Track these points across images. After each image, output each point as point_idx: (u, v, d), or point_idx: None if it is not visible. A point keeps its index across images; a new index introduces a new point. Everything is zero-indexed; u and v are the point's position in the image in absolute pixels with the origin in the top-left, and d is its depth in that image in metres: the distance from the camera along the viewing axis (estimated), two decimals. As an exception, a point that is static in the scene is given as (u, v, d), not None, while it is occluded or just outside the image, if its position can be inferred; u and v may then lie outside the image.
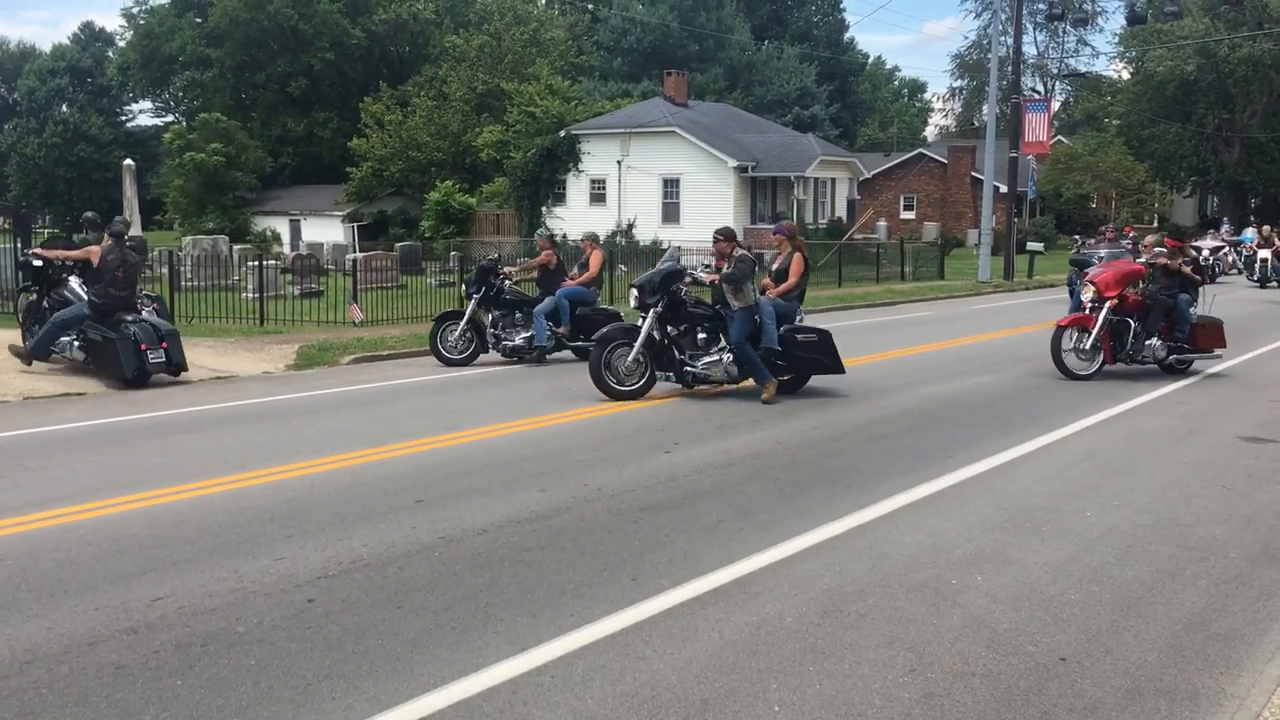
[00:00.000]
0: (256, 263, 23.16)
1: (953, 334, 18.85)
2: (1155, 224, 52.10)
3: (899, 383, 13.03)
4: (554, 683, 4.58)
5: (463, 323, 14.63)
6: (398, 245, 35.91)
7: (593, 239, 16.05)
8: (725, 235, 12.04)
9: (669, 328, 11.82)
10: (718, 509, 7.25)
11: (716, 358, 11.77)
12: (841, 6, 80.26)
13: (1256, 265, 31.32)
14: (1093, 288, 13.46)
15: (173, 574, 5.87)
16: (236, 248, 33.56)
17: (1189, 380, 13.28)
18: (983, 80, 61.84)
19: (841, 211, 45.13)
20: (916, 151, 60.54)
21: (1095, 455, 9.07)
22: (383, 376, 13.79)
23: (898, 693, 4.53)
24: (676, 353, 11.84)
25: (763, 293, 12.10)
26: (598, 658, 4.83)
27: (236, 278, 24.36)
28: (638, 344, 11.65)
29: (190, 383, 13.02)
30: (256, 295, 20.33)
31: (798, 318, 12.32)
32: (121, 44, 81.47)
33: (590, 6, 70.57)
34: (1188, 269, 13.84)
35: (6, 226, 21.83)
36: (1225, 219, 46.83)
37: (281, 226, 55.03)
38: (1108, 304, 13.19)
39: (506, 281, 14.87)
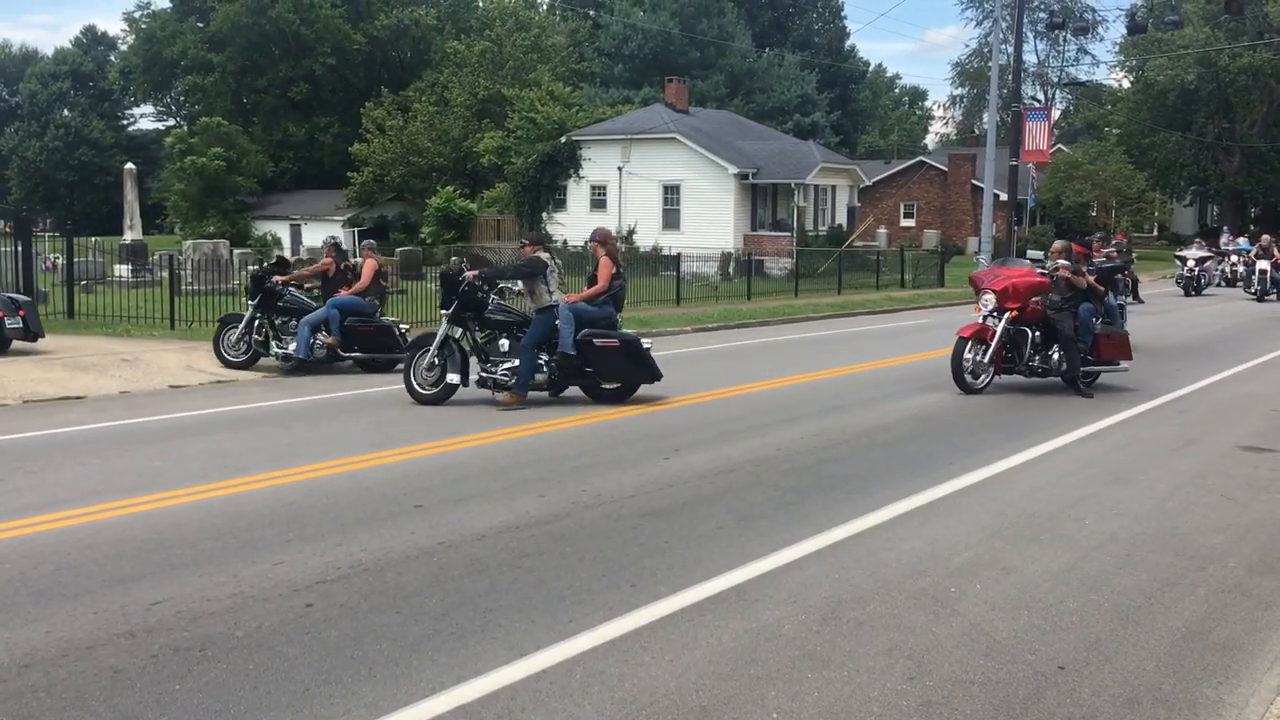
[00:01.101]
0: (257, 267, 23.16)
1: (952, 342, 18.85)
2: (1155, 233, 52.14)
3: (899, 390, 13.04)
4: (552, 688, 4.58)
5: (240, 327, 14.66)
6: (398, 250, 35.95)
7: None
8: (531, 240, 12.43)
9: (471, 333, 11.97)
10: (717, 515, 7.25)
11: (515, 364, 11.68)
12: (843, 14, 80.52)
13: (1255, 277, 30.60)
14: (992, 297, 12.84)
15: (171, 578, 5.87)
16: (237, 252, 33.53)
17: (1187, 389, 13.28)
18: (983, 88, 61.90)
19: (842, 219, 45.14)
20: (917, 159, 60.61)
21: (1094, 463, 9.07)
22: (383, 381, 13.77)
23: (896, 700, 4.53)
24: (477, 359, 11.90)
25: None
26: (596, 664, 4.83)
27: (236, 282, 24.35)
28: (432, 349, 11.74)
29: (190, 387, 13.01)
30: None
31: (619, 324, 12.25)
32: (123, 48, 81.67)
33: (592, 13, 70.67)
34: (1091, 278, 13.28)
35: (7, 230, 21.81)
36: (1225, 228, 46.77)
37: (282, 231, 55.10)
38: (1006, 315, 12.65)
39: (292, 288, 14.73)
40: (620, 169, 42.50)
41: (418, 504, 7.44)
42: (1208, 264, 33.53)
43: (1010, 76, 37.06)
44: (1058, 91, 79.95)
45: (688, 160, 41.26)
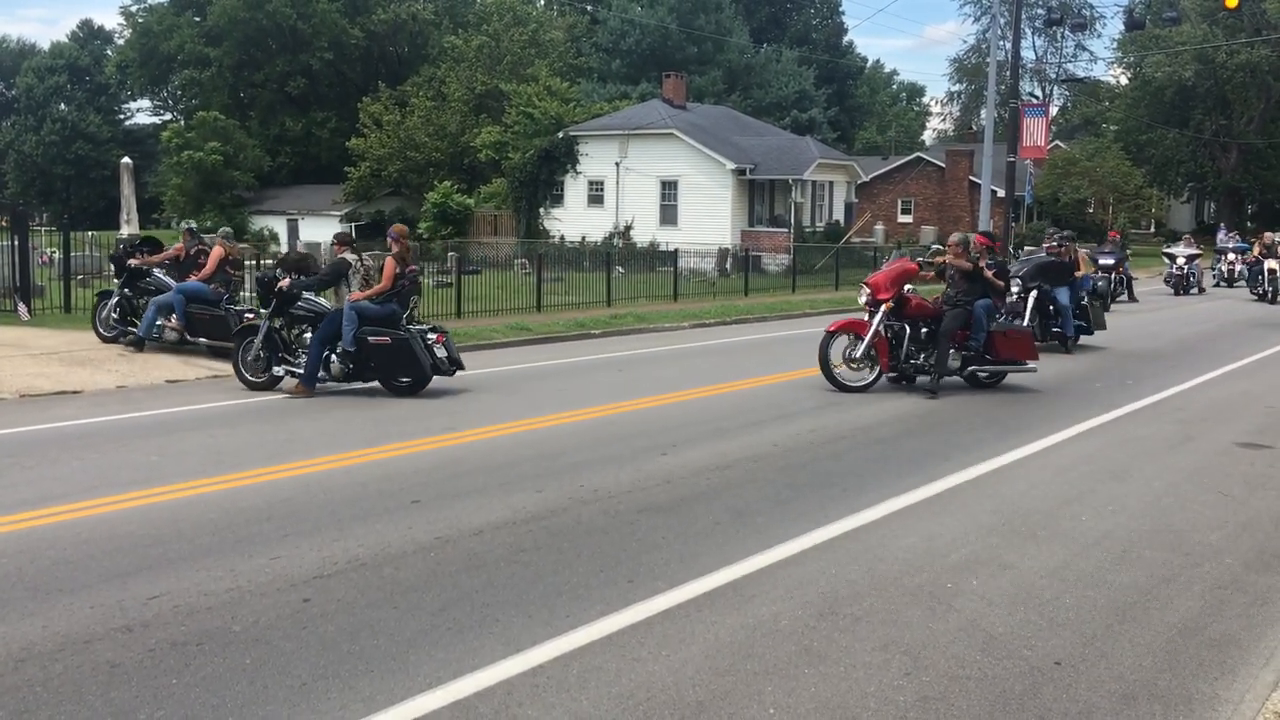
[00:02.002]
0: (254, 262, 23.12)
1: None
2: (1153, 229, 52.17)
3: (895, 386, 13.03)
4: (550, 683, 4.58)
5: (110, 303, 15.29)
6: (395, 245, 35.82)
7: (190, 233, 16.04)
8: (338, 240, 12.78)
9: (287, 327, 12.51)
10: (714, 511, 7.25)
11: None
12: (840, 10, 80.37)
13: (1264, 277, 28.92)
14: (867, 289, 12.60)
15: (168, 573, 5.87)
16: (238, 246, 33.48)
17: (1184, 386, 13.29)
18: (981, 84, 61.94)
19: (839, 214, 45.15)
20: (914, 155, 60.57)
21: (1092, 460, 9.08)
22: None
23: (893, 696, 4.53)
24: (286, 351, 12.41)
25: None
26: (593, 659, 4.83)
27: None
28: (257, 340, 12.25)
29: (189, 382, 13.00)
30: (254, 294, 20.28)
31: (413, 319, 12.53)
32: (120, 42, 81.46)
33: (589, 8, 70.58)
34: (989, 273, 12.87)
35: (4, 224, 21.80)
36: (1222, 225, 46.81)
37: (279, 226, 55.05)
38: (883, 308, 12.30)
39: (157, 270, 15.26)
40: (618, 164, 42.47)
41: (415, 499, 7.44)
42: (1197, 262, 32.66)
43: (1008, 72, 37.07)
44: (1055, 88, 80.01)
45: (685, 156, 41.24)
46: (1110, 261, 27.37)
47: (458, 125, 53.19)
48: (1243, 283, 33.31)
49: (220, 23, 64.26)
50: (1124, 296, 27.81)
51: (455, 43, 58.91)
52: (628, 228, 41.55)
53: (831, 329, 12.66)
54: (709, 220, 40.34)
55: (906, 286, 12.72)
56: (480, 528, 6.78)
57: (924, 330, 12.63)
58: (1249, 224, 59.71)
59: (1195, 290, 31.40)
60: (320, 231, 50.07)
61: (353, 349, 11.90)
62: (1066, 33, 75.92)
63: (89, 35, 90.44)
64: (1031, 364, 12.85)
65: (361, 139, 54.47)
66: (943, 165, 56.05)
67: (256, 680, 4.58)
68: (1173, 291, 31.27)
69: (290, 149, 65.90)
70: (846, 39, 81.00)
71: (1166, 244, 40.98)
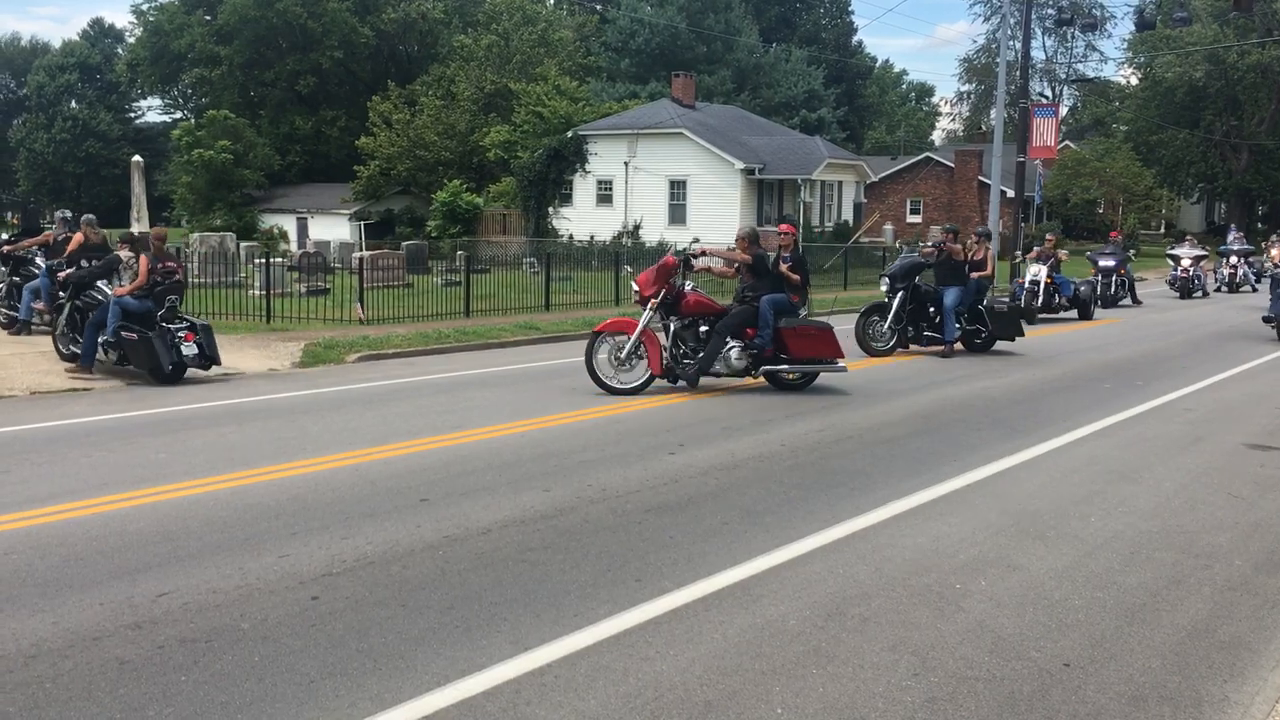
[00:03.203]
0: (263, 260, 23.18)
1: (1081, 317, 19.84)
2: (1163, 230, 51.99)
3: (905, 386, 13.03)
4: (557, 683, 4.58)
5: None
6: (404, 244, 35.94)
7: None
8: (121, 239, 14.22)
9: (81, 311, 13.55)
10: (722, 511, 7.25)
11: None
12: (850, 9, 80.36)
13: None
14: (636, 287, 12.36)
15: (177, 570, 5.88)
16: (243, 245, 33.57)
17: (1193, 387, 13.25)
18: (991, 84, 61.79)
19: (848, 214, 45.11)
20: (923, 155, 60.50)
21: (1100, 461, 9.06)
22: (388, 375, 13.81)
23: (900, 696, 4.53)
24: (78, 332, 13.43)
25: None
26: (601, 658, 4.83)
27: (243, 275, 24.39)
28: (61, 319, 13.71)
29: (197, 379, 13.03)
30: (263, 293, 20.34)
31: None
32: (131, 40, 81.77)
33: (599, 7, 70.60)
34: (784, 266, 12.56)
35: (15, 222, 21.96)
36: (1233, 225, 46.60)
37: (288, 224, 55.14)
38: (650, 304, 12.07)
39: (38, 256, 16.41)
40: (626, 164, 42.48)
41: (423, 498, 7.45)
42: (1203, 263, 31.33)
43: (1018, 72, 36.96)
44: (1065, 88, 79.90)
45: (694, 155, 41.23)
46: (1110, 264, 26.59)
47: (467, 124, 53.23)
48: (1247, 288, 32.48)
49: (231, 21, 64.43)
50: (1126, 299, 27.07)
51: (465, 42, 59.02)
52: (636, 227, 41.54)
53: (599, 329, 12.34)
54: (718, 220, 40.31)
55: (689, 284, 12.45)
56: (488, 526, 6.79)
57: (703, 329, 12.31)
58: (1260, 225, 59.52)
59: (1200, 294, 30.39)
60: (330, 230, 50.22)
61: (112, 340, 12.75)
62: (1077, 33, 75.89)
63: (100, 33, 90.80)
64: (840, 362, 12.37)
65: (371, 138, 54.55)
66: (952, 165, 55.95)
67: (265, 678, 4.59)
68: (1177, 294, 30.30)
69: (300, 148, 66.05)
70: (856, 39, 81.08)
71: (1171, 245, 39.76)
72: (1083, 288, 23.73)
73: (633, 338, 12.01)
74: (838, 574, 6.01)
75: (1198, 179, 61.48)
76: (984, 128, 74.56)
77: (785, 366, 12.35)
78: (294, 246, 47.25)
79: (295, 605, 5.41)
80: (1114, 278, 26.44)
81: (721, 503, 7.47)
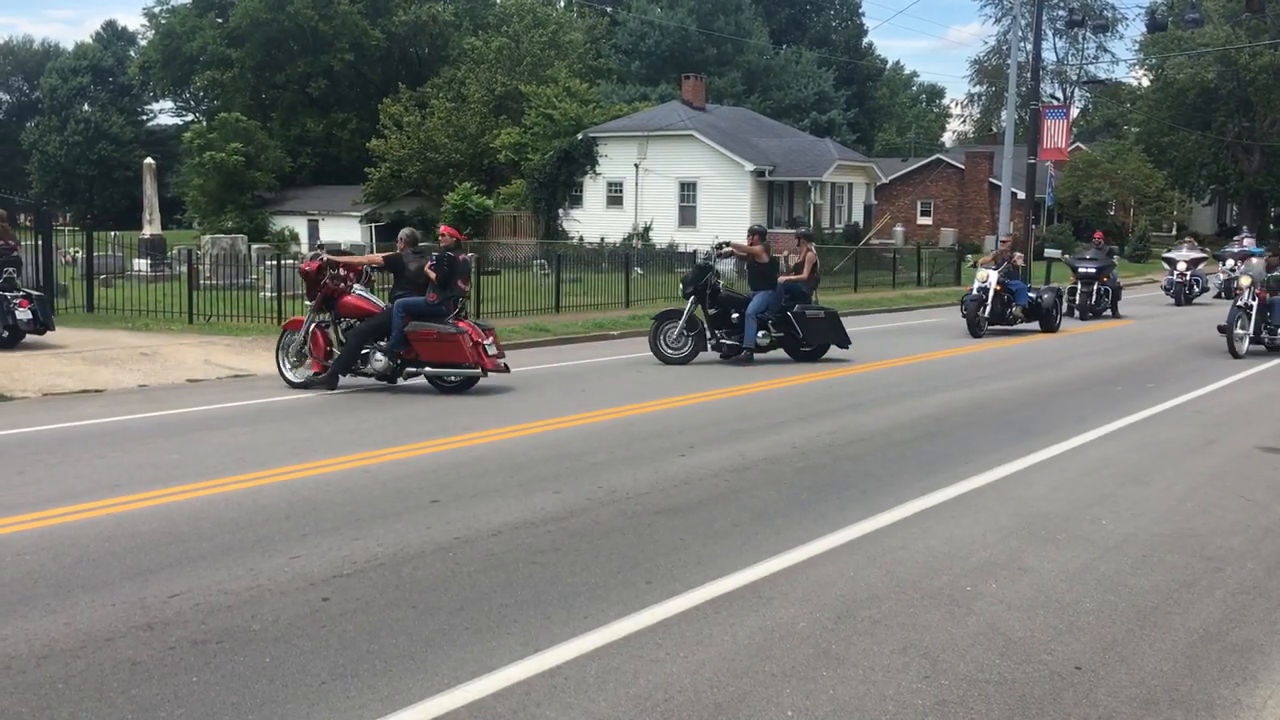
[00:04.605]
0: (274, 262, 23.23)
1: (970, 340, 18.79)
2: (1174, 232, 51.82)
3: (916, 388, 13.01)
4: (567, 684, 4.59)
5: None
6: (414, 246, 35.93)
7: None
8: None
9: None
10: (732, 513, 7.25)
11: None
12: (860, 11, 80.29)
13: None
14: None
15: (189, 571, 5.90)
16: (255, 247, 33.70)
17: (1205, 390, 13.20)
18: (1001, 86, 61.65)
19: (858, 216, 45.06)
20: (934, 157, 60.40)
21: (1112, 464, 9.03)
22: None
23: (911, 699, 4.52)
24: None
25: None
26: (611, 660, 4.84)
27: (254, 277, 24.45)
28: None
29: (205, 381, 13.08)
30: (274, 294, 20.39)
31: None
32: (143, 43, 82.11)
33: (609, 9, 70.64)
34: (427, 266, 12.29)
35: (28, 224, 21.98)
36: (1244, 228, 46.39)
37: (299, 226, 55.30)
38: (313, 305, 12.34)
39: None
40: (637, 166, 42.50)
41: (434, 499, 7.46)
42: (1201, 267, 28.84)
43: (1029, 74, 36.87)
44: (1077, 89, 79.65)
45: (704, 157, 41.24)
46: (1091, 270, 23.65)
47: (477, 126, 53.31)
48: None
49: (242, 24, 64.62)
50: (1107, 311, 23.88)
51: (475, 44, 59.08)
52: (647, 229, 41.55)
53: (285, 327, 12.97)
54: (728, 221, 40.25)
55: (357, 288, 12.61)
56: (499, 528, 6.79)
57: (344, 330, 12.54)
58: (1271, 227, 59.27)
59: (1200, 299, 28.26)
60: (341, 232, 50.37)
61: None
62: (1088, 34, 75.77)
63: (112, 36, 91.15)
64: (472, 371, 12.09)
65: (382, 140, 54.66)
66: (962, 167, 55.85)
67: (276, 679, 4.60)
68: (1173, 300, 28.07)
69: (311, 150, 66.21)
70: (866, 40, 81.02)
71: (1167, 248, 36.48)
72: (1045, 295, 20.60)
73: (300, 336, 12.47)
74: (848, 576, 6.00)
75: (1209, 181, 61.24)
76: (995, 129, 74.48)
77: (420, 368, 12.19)
78: (305, 248, 47.39)
79: (306, 606, 5.42)
80: (1095, 285, 23.58)
81: (732, 505, 7.46)
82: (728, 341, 15.22)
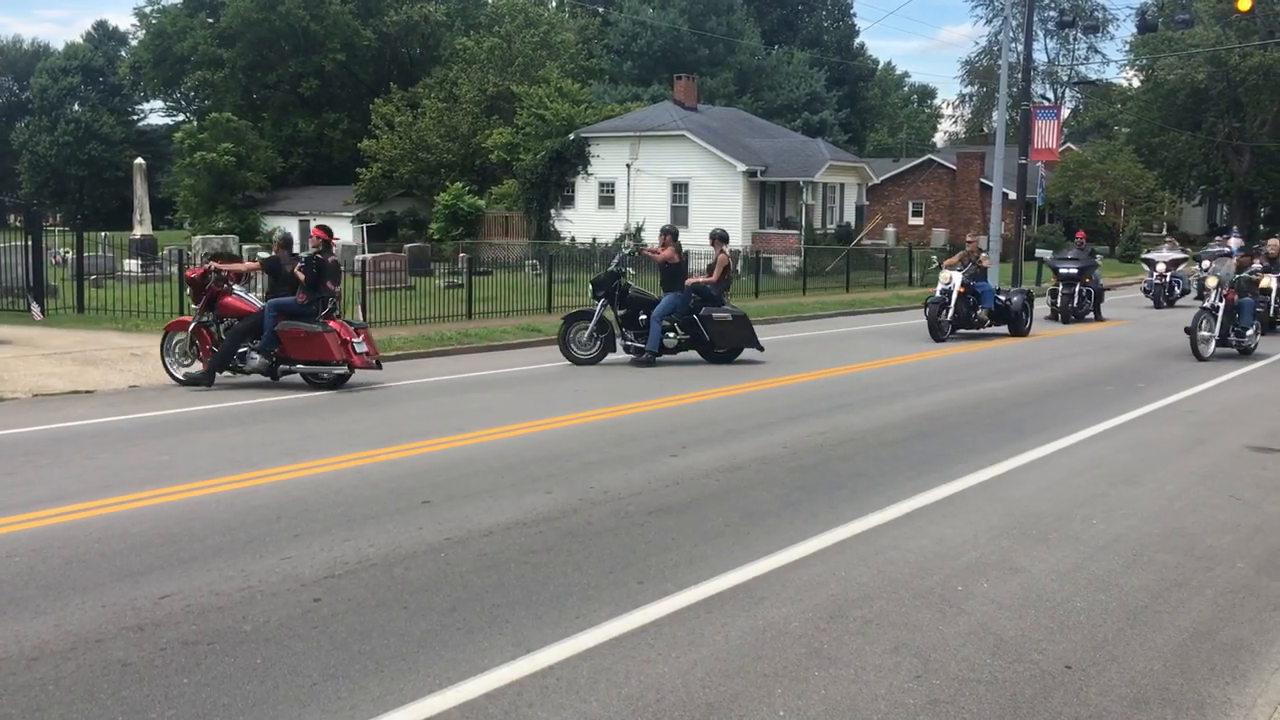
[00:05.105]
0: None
1: (962, 340, 18.81)
2: (1165, 232, 51.94)
3: (908, 388, 13.03)
4: (559, 685, 4.59)
5: None
6: (406, 246, 35.98)
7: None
8: None
9: None
10: (724, 513, 7.25)
11: None
12: (852, 12, 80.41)
13: (1273, 300, 20.43)
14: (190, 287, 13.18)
15: (180, 572, 5.89)
16: (246, 247, 33.65)
17: (1195, 389, 13.24)
18: (992, 87, 61.80)
19: (850, 216, 45.10)
20: (925, 157, 60.49)
21: (1103, 463, 9.05)
22: (391, 377, 13.80)
23: (903, 699, 4.53)
24: None
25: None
26: (603, 660, 4.84)
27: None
28: None
29: (183, 385, 13.04)
30: (266, 294, 20.36)
31: None
32: (134, 43, 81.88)
33: (601, 10, 70.63)
34: (295, 267, 12.65)
35: (18, 224, 21.92)
36: (1234, 227, 46.50)
37: (291, 227, 54.81)
38: (201, 304, 12.78)
39: None
40: (628, 166, 42.48)
41: (426, 500, 7.45)
42: (1181, 268, 27.87)
43: (1020, 75, 36.98)
44: (1067, 90, 79.93)
45: (696, 157, 41.24)
46: (1073, 271, 22.90)
47: (469, 127, 53.24)
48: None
49: (233, 24, 64.47)
50: (1090, 314, 23.10)
51: (467, 44, 59.03)
52: (639, 229, 41.51)
53: (168, 328, 13.26)
54: (719, 222, 40.02)
55: (239, 289, 13.10)
56: (490, 528, 6.79)
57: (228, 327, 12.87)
58: (1261, 227, 59.42)
59: (1184, 299, 26.99)
60: (335, 231, 50.18)
61: None
62: (1079, 35, 76.01)
63: (103, 36, 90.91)
64: (340, 369, 12.44)
65: (373, 140, 54.56)
66: (954, 167, 55.95)
67: (267, 680, 4.59)
68: (1152, 303, 27.25)
69: (302, 150, 66.06)
70: (858, 41, 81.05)
71: (1147, 249, 35.66)
72: (1014, 298, 19.90)
73: (186, 334, 12.84)
74: (840, 576, 6.01)
75: (1200, 181, 61.43)
76: (986, 130, 74.70)
77: (290, 366, 12.56)
78: (297, 249, 47.27)
79: (297, 607, 5.41)
80: (1077, 287, 22.77)
81: (723, 505, 7.47)
82: (636, 344, 15.14)
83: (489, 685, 4.56)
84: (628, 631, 5.15)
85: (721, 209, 40.66)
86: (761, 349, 15.52)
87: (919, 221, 55.86)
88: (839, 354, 16.60)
